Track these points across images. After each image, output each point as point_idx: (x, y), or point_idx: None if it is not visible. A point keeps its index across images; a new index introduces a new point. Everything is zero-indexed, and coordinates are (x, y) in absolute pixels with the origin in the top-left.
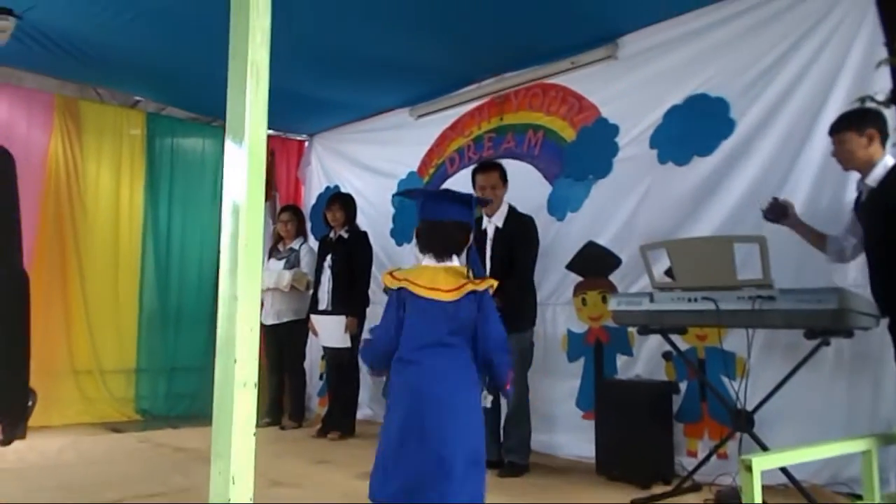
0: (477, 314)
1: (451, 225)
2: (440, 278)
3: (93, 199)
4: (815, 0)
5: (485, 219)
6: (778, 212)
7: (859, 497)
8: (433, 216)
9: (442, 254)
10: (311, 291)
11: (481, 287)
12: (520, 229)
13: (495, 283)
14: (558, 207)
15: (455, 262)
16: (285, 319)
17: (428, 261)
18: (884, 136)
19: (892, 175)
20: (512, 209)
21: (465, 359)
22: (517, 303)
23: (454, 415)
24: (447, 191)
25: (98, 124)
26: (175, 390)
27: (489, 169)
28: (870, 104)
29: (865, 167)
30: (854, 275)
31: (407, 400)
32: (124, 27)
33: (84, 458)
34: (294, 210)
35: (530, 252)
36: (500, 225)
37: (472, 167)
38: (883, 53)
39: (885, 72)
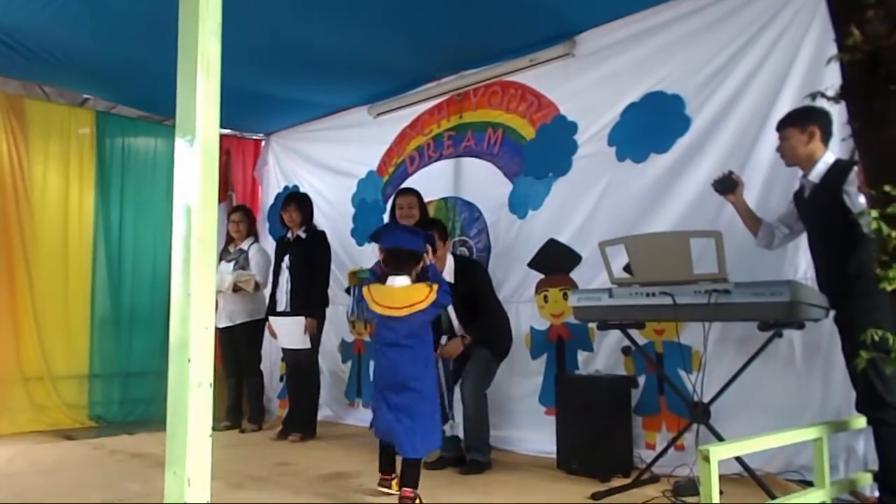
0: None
1: (403, 250)
2: (397, 297)
3: (40, 201)
4: None
5: None
6: (727, 185)
7: (810, 484)
8: (387, 244)
9: (396, 271)
10: (260, 292)
11: (425, 305)
12: (472, 278)
13: (434, 287)
14: (519, 205)
15: (407, 280)
16: (238, 321)
17: (390, 279)
18: (826, 134)
19: (834, 171)
20: (458, 260)
21: (417, 355)
22: (491, 335)
23: (408, 392)
24: (397, 225)
25: (45, 123)
26: (130, 395)
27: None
28: (820, 100)
29: (806, 163)
30: (804, 267)
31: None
32: (70, 21)
33: (35, 467)
34: (245, 210)
35: (489, 292)
36: (451, 281)
37: (431, 165)
38: (833, 50)
39: (835, 68)
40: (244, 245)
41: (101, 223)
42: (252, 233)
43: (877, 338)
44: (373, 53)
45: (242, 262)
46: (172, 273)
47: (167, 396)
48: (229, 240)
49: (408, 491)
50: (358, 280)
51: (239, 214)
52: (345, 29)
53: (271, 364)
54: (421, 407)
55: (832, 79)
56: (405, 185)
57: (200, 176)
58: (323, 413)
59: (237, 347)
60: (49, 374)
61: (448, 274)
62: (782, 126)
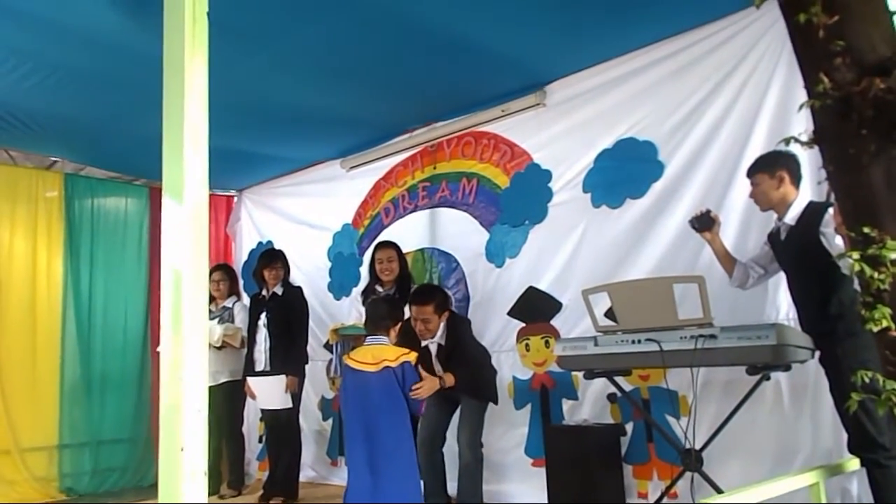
0: (399, 378)
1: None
2: (369, 355)
3: (6, 267)
4: (733, 45)
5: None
6: (705, 223)
7: None
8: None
9: (374, 330)
10: (244, 350)
11: (394, 363)
12: (457, 336)
13: (412, 355)
14: (497, 254)
15: (385, 340)
16: (222, 380)
17: (368, 339)
18: (795, 177)
19: (808, 213)
20: (450, 321)
21: (390, 404)
22: (475, 384)
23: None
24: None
25: (11, 188)
26: (103, 464)
27: (423, 302)
28: (794, 145)
29: (781, 207)
30: (786, 308)
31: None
32: (36, 87)
33: None
34: (226, 269)
35: (469, 343)
36: (442, 343)
37: (407, 217)
38: (801, 95)
39: (805, 113)
40: (227, 303)
41: (71, 287)
42: (234, 291)
43: (867, 379)
44: (344, 107)
45: (227, 319)
46: (162, 349)
47: (157, 488)
48: (209, 299)
49: None
50: (340, 337)
51: (220, 273)
52: (315, 83)
53: (249, 425)
54: (400, 462)
55: (801, 121)
56: (381, 237)
57: (191, 243)
58: (305, 473)
59: (219, 409)
60: (16, 447)
61: (441, 337)
62: (752, 172)
